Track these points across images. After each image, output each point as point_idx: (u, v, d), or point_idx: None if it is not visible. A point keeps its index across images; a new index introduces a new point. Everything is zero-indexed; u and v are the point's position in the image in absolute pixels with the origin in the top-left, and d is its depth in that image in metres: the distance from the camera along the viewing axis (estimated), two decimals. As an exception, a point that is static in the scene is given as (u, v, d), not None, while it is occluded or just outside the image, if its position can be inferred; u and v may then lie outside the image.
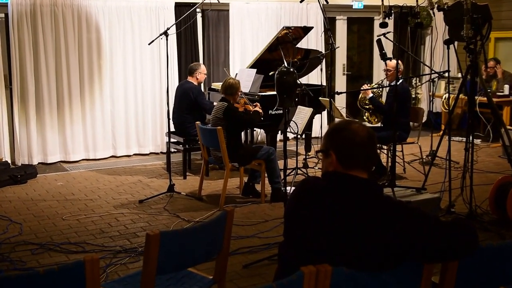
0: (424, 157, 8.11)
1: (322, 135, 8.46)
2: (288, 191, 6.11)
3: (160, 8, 8.75)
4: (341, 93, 6.30)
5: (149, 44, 6.83)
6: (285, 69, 4.94)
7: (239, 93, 6.53)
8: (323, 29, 9.85)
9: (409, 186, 6.30)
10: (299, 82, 7.27)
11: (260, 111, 6.71)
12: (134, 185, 7.22)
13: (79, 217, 5.92)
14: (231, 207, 3.01)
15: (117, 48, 8.63)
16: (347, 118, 7.49)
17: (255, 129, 8.37)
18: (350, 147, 2.30)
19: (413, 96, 10.70)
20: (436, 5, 5.83)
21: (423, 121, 7.95)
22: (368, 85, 7.44)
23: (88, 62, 8.42)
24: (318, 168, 7.80)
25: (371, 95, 7.18)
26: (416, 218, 2.18)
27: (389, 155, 7.14)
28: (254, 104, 6.94)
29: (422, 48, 11.16)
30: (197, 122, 6.57)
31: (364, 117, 7.47)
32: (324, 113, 9.61)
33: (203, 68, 7.74)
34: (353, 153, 2.30)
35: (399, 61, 6.55)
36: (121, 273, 4.46)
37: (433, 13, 10.05)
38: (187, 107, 7.54)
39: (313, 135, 9.14)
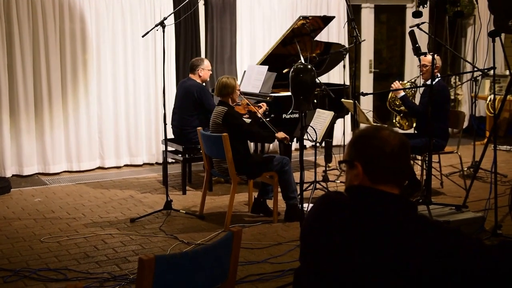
0: (465, 169, 8.08)
1: (345, 143, 8.54)
2: (305, 209, 6.12)
3: (155, -6, 8.84)
4: (367, 94, 6.29)
5: (142, 36, 6.85)
6: (301, 66, 4.99)
7: (238, 91, 6.53)
8: (346, 19, 9.79)
9: (447, 204, 6.28)
10: (318, 81, 7.23)
11: (260, 115, 6.68)
12: (124, 202, 7.23)
13: (60, 239, 5.90)
14: (239, 227, 3.02)
15: (105, 41, 8.66)
16: (375, 123, 7.45)
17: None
18: (378, 157, 2.30)
19: (452, 97, 10.70)
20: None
21: (464, 127, 7.98)
22: (400, 82, 7.43)
23: (71, 57, 8.46)
24: (341, 182, 7.82)
25: (402, 93, 7.18)
26: (456, 242, 2.17)
27: (424, 166, 7.12)
28: (259, 105, 6.96)
29: (463, 41, 11.15)
30: (199, 128, 6.61)
31: (395, 121, 7.48)
32: (347, 117, 9.54)
33: (206, 64, 7.77)
34: (382, 165, 2.30)
35: (436, 56, 6.54)
36: (109, 304, 4.47)
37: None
38: (190, 108, 7.60)
39: (334, 143, 9.21)
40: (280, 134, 6.54)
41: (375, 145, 2.31)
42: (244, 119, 6.62)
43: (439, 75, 7.09)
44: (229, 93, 6.40)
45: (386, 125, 2.60)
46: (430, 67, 6.90)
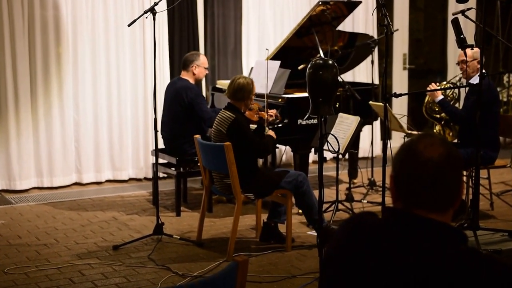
0: (521, 187, 8.08)
1: (373, 155, 8.61)
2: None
3: (144, -26, 8.87)
4: (400, 95, 6.25)
5: (129, 25, 6.82)
6: (321, 62, 4.95)
7: (253, 97, 6.55)
8: (375, 5, 9.83)
9: (498, 229, 6.26)
10: (341, 80, 7.39)
11: (273, 134, 6.66)
12: (106, 225, 7.23)
13: (28, 270, 5.87)
14: (244, 256, 3.02)
15: (84, 31, 8.68)
16: (409, 131, 7.43)
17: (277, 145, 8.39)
18: (408, 174, 2.27)
19: (505, 99, 10.65)
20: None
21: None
22: (438, 84, 7.43)
23: (42, 50, 8.49)
24: (368, 202, 7.85)
25: (440, 97, 7.16)
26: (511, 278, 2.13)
27: (470, 183, 7.11)
28: (270, 112, 6.95)
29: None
30: (196, 136, 6.58)
31: (435, 131, 7.49)
32: (376, 124, 9.65)
33: (202, 60, 7.78)
34: (412, 184, 2.27)
35: (475, 49, 6.57)
36: None
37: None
38: (181, 114, 7.61)
39: (360, 155, 9.20)
40: (272, 114, 6.76)
41: (406, 156, 2.29)
42: (249, 128, 6.59)
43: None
44: (244, 98, 6.43)
45: (433, 133, 2.57)
46: (473, 62, 6.92)
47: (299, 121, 7.36)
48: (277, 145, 6.71)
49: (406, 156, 2.28)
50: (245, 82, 6.44)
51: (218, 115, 6.45)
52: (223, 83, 8.39)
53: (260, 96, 7.35)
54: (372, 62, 8.33)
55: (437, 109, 7.37)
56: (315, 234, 6.43)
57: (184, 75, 7.74)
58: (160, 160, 7.69)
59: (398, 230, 2.25)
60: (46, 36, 8.49)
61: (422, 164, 2.24)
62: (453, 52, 11.12)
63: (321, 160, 5.08)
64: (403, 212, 2.27)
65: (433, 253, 2.16)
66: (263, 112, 6.82)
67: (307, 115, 5.14)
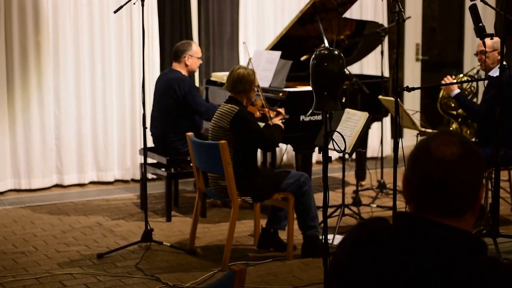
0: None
1: (383, 155, 8.62)
2: (330, 241, 6.16)
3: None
4: (413, 89, 6.22)
5: (115, 12, 6.84)
6: (326, 52, 4.95)
7: (256, 89, 6.55)
8: (385, -10, 9.89)
9: (520, 236, 6.27)
10: (347, 72, 7.40)
11: (280, 123, 6.68)
12: (90, 231, 7.22)
13: (4, 281, 5.85)
14: (241, 265, 3.02)
15: (65, 18, 8.66)
16: (423, 129, 7.45)
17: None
18: (419, 175, 2.28)
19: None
20: None
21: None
22: (454, 77, 7.43)
23: (20, 38, 8.49)
24: (377, 206, 7.88)
25: (457, 91, 7.17)
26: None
27: (489, 186, 7.10)
28: (276, 109, 6.95)
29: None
30: (188, 134, 6.59)
31: (451, 129, 7.51)
32: (387, 120, 9.64)
33: (195, 50, 7.78)
34: (423, 186, 2.27)
35: (495, 38, 6.59)
36: None
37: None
38: (173, 108, 7.62)
39: (368, 155, 9.30)
40: (281, 116, 6.68)
41: (417, 157, 2.29)
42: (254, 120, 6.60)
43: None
44: (246, 90, 6.43)
45: (453, 131, 2.56)
46: (492, 53, 6.94)
47: (302, 117, 7.35)
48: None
49: (417, 155, 2.28)
50: (246, 73, 6.43)
51: (218, 111, 6.45)
52: (219, 76, 8.40)
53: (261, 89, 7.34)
54: (382, 52, 8.33)
55: (453, 105, 7.42)
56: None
57: (176, 66, 7.77)
58: (149, 160, 7.68)
59: (411, 238, 2.25)
60: (24, 23, 8.47)
61: (432, 165, 2.24)
62: (470, 42, 11.19)
63: (326, 160, 5.05)
64: (416, 217, 2.27)
65: (451, 264, 2.16)
66: (267, 109, 6.84)
67: (311, 110, 5.10)
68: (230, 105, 6.35)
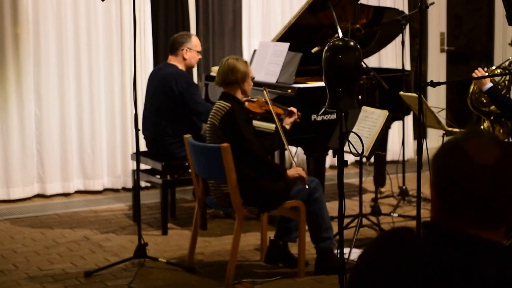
0: None
1: (405, 158, 8.69)
2: (346, 256, 6.16)
3: None
4: (438, 84, 6.19)
5: (102, 0, 6.81)
6: (340, 43, 5.01)
7: (251, 81, 6.55)
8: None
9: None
10: (364, 66, 7.31)
11: (279, 125, 6.64)
12: (76, 246, 7.25)
13: (-20, 303, 5.99)
14: (247, 284, 2.93)
15: (47, 7, 8.69)
16: (449, 129, 7.64)
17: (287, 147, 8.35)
18: (455, 183, 2.25)
19: None
20: None
21: None
22: (486, 70, 7.34)
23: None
24: (399, 216, 7.89)
25: (489, 85, 7.11)
26: None
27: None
28: (290, 109, 6.89)
29: None
30: (186, 136, 6.60)
31: (483, 128, 7.48)
32: (408, 119, 9.82)
33: (194, 42, 7.83)
34: (460, 195, 2.24)
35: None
36: None
37: None
38: (169, 107, 7.64)
39: (388, 158, 9.40)
40: (293, 171, 6.45)
41: (452, 162, 2.27)
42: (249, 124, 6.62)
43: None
44: (238, 81, 6.43)
45: (481, 129, 2.50)
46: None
47: (314, 116, 7.36)
48: (286, 147, 6.91)
49: (452, 160, 2.27)
50: (236, 62, 6.48)
51: (213, 107, 6.48)
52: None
53: (267, 85, 7.29)
54: (403, 43, 8.32)
55: (485, 101, 7.40)
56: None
57: (172, 60, 7.80)
58: (142, 166, 7.69)
59: (444, 252, 2.25)
60: (0, 14, 8.52)
61: (476, 171, 2.22)
62: (501, 30, 11.37)
63: (342, 164, 5.11)
64: (449, 230, 2.28)
65: (494, 283, 2.16)
66: (273, 107, 6.77)
67: (323, 109, 5.57)
68: (222, 101, 6.42)
